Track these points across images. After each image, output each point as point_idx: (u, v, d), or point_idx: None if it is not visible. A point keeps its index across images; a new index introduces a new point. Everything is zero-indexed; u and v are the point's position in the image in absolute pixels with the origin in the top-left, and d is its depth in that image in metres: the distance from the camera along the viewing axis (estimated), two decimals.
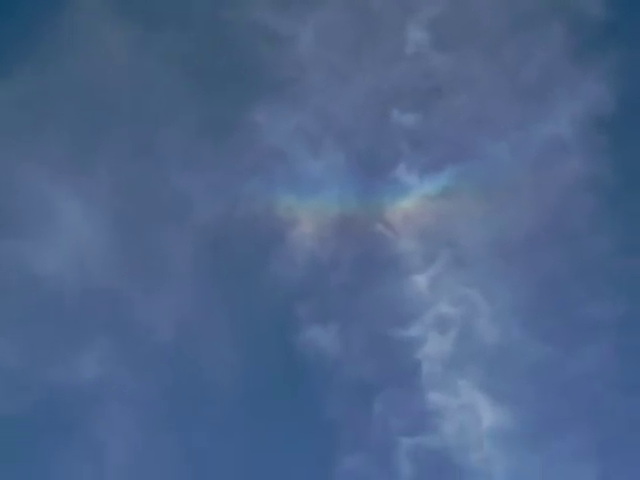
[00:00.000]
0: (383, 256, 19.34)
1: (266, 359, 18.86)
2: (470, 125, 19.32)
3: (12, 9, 20.31)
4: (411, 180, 19.27)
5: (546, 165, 18.99)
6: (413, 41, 19.63)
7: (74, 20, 19.85)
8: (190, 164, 19.34)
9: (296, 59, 19.59)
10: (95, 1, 19.77)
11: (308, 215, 19.04)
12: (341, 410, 18.13)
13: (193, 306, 18.75)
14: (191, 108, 19.67)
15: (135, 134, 19.76)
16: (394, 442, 18.14)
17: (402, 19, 19.81)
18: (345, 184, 19.44)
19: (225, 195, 19.48)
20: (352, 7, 20.09)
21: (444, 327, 18.42)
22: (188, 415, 18.62)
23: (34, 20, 20.10)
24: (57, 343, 18.51)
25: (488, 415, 17.91)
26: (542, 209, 18.83)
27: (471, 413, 18.10)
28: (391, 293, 18.99)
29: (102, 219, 19.10)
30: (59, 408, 18.28)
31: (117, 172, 19.36)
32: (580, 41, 19.27)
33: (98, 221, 19.03)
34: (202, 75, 19.97)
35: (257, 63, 19.69)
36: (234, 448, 18.27)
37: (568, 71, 19.24)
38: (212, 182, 19.40)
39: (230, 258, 19.45)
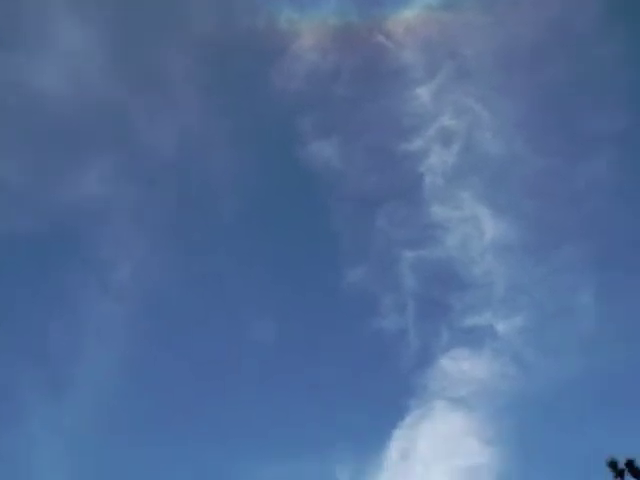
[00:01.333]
0: (385, 68, 19.02)
1: (270, 172, 18.84)
2: None
3: None
4: None
5: None
6: None
7: None
8: None
9: None
10: None
11: (309, 27, 18.59)
12: (344, 223, 18.16)
13: (195, 121, 18.61)
14: None
15: None
16: (397, 255, 18.25)
17: None
18: None
19: (225, 7, 19.02)
20: None
21: (447, 140, 18.27)
22: (195, 231, 18.69)
23: None
24: (60, 161, 18.43)
25: (490, 227, 17.95)
26: (546, 18, 18.43)
27: (473, 225, 18.14)
28: (393, 105, 18.76)
29: (98, 32, 18.68)
30: (65, 225, 18.35)
31: None
32: None
33: (94, 34, 18.62)
34: None
35: None
36: (241, 261, 18.37)
37: None
38: None
39: (231, 71, 19.15)
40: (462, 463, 17.19)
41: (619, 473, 8.04)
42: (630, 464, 8.03)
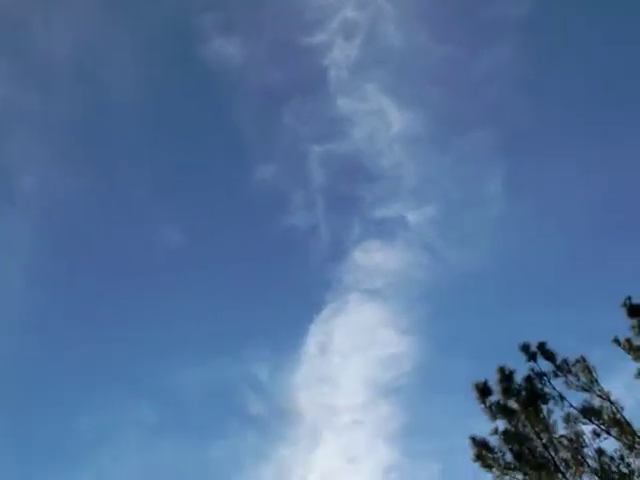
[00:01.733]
0: None
1: (172, 73, 18.55)
2: None
3: None
4: None
5: None
6: None
7: None
8: None
9: None
10: None
11: None
12: (249, 121, 18.11)
13: (93, 23, 18.14)
14: None
15: None
16: (305, 150, 18.28)
17: None
18: None
19: None
20: None
21: (350, 32, 18.15)
22: (98, 137, 18.37)
23: None
24: None
25: (396, 119, 18.05)
26: None
27: (379, 118, 18.22)
28: None
29: None
30: None
31: None
32: None
33: None
34: None
35: None
36: (145, 165, 18.26)
37: None
38: None
39: None
40: (380, 353, 17.55)
41: (531, 356, 8.32)
42: (542, 347, 8.31)
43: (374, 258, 18.22)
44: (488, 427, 8.26)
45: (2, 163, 17.96)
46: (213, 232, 18.61)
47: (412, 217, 18.33)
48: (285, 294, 18.33)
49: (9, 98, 17.93)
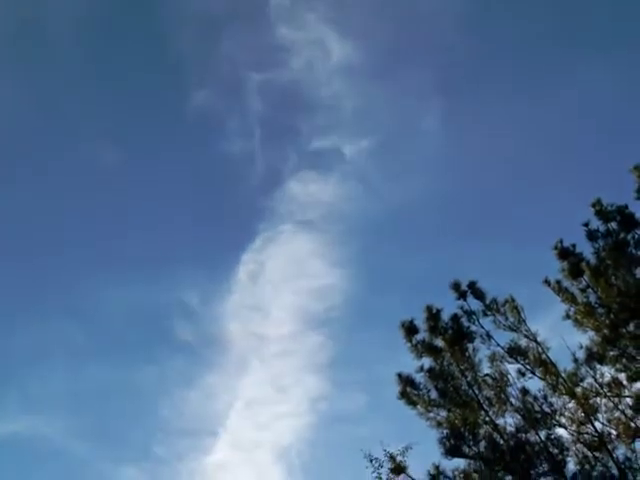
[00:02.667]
0: None
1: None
2: None
3: None
4: None
5: None
6: None
7: None
8: None
9: None
10: None
11: None
12: (190, 46, 17.76)
13: None
14: None
15: None
16: (243, 77, 18.07)
17: None
18: None
19: None
20: None
21: None
22: (28, 55, 17.90)
23: None
24: None
25: (336, 50, 17.85)
26: None
27: (320, 48, 17.99)
28: None
29: None
30: None
31: None
32: None
33: None
34: None
35: None
36: (81, 85, 17.86)
37: None
38: None
39: None
40: (311, 285, 17.56)
41: (461, 295, 8.30)
42: (472, 286, 8.30)
43: (309, 189, 18.18)
44: (416, 363, 8.29)
45: None
46: (149, 153, 18.39)
47: (349, 149, 18.29)
48: (218, 221, 18.25)
49: None
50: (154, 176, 18.39)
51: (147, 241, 17.96)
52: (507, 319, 8.19)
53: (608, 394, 7.73)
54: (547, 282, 8.19)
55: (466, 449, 7.81)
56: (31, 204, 17.88)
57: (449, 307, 8.40)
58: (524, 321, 8.13)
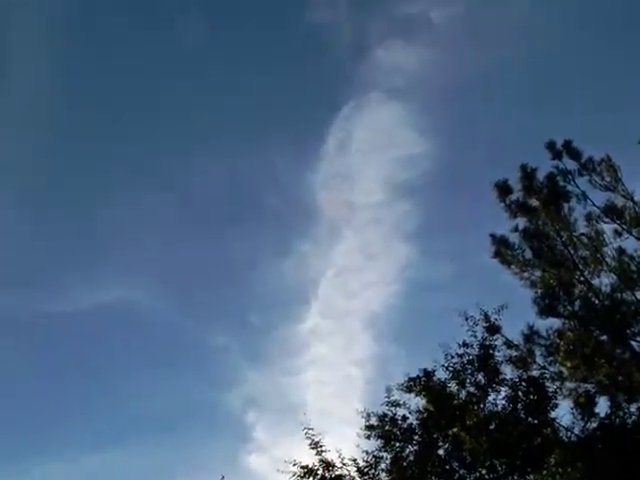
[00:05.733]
0: None
1: None
2: None
3: None
4: None
5: None
6: None
7: None
8: None
9: None
10: None
11: None
12: None
13: None
14: None
15: None
16: None
17: None
18: None
19: None
20: None
21: None
22: None
23: None
24: None
25: None
26: None
27: None
28: None
29: None
30: None
31: None
32: None
33: None
34: None
35: None
36: None
37: None
38: None
39: None
40: (399, 152, 17.44)
41: (556, 154, 8.19)
42: (567, 145, 8.18)
43: (396, 57, 17.83)
44: (506, 228, 8.29)
45: None
46: (235, 26, 18.15)
47: (435, 15, 17.87)
48: (306, 90, 18.01)
49: None
50: (240, 47, 18.17)
51: (234, 110, 17.87)
52: (603, 179, 8.10)
53: None
54: None
55: (561, 308, 7.87)
56: (129, 80, 17.91)
57: (542, 169, 8.33)
58: (620, 180, 8.03)
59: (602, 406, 7.63)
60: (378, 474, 8.05)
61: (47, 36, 16.65)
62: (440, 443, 7.93)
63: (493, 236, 8.34)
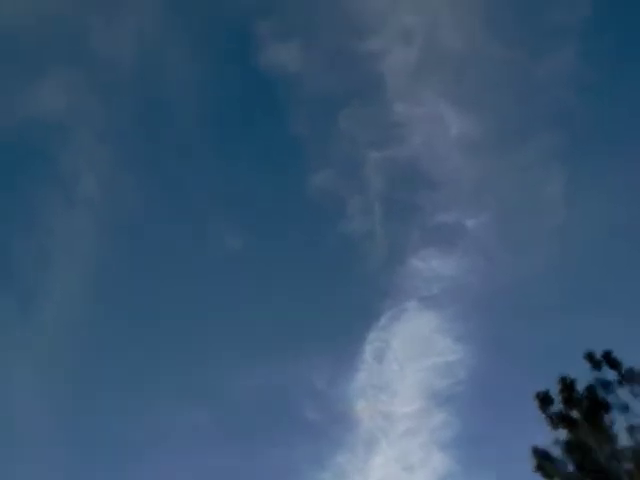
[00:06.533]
0: None
1: (229, 80, 18.66)
2: None
3: None
4: None
5: None
6: None
7: None
8: None
9: None
10: None
11: None
12: (307, 127, 18.03)
13: (151, 32, 18.25)
14: None
15: None
16: (362, 156, 18.19)
17: None
18: None
19: None
20: None
21: (407, 37, 18.02)
22: (157, 141, 18.46)
23: None
24: (18, 77, 18.09)
25: (454, 123, 17.90)
26: None
27: (437, 123, 18.06)
28: (352, 5, 18.45)
29: None
30: (29, 142, 18.04)
31: None
32: None
33: None
34: None
35: None
36: (204, 171, 18.34)
37: None
38: None
39: None
40: (436, 361, 17.39)
41: (596, 364, 8.14)
42: (607, 355, 8.14)
43: (431, 264, 18.10)
44: (543, 436, 8.16)
45: (64, 167, 18.03)
46: (272, 237, 18.66)
47: (470, 223, 18.18)
48: (343, 301, 18.27)
49: (72, 105, 18.07)
50: (277, 258, 18.60)
51: (272, 322, 18.10)
52: None
53: None
54: None
55: None
56: (161, 288, 18.23)
57: (580, 378, 8.25)
58: None
59: None
60: None
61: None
62: None
63: (535, 449, 8.19)
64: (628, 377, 8.03)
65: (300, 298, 18.35)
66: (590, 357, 8.21)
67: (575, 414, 8.09)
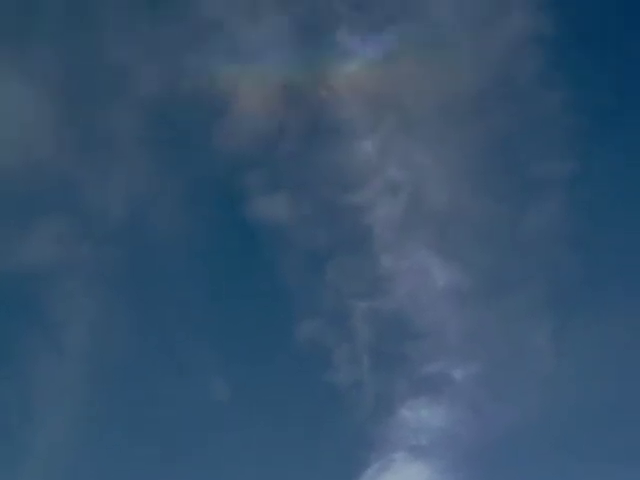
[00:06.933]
0: (329, 122, 19.13)
1: (218, 230, 18.92)
2: None
3: None
4: (353, 43, 18.91)
5: (489, 23, 18.70)
6: None
7: None
8: (129, 38, 18.88)
9: None
10: None
11: (251, 85, 18.76)
12: (295, 278, 18.19)
13: (142, 182, 18.59)
14: None
15: (74, 7, 19.23)
16: (349, 306, 18.28)
17: None
18: (286, 51, 19.10)
19: (167, 68, 19.12)
20: None
21: (393, 191, 18.40)
22: (146, 290, 18.62)
23: None
24: (7, 226, 18.31)
25: (440, 276, 18.04)
26: (487, 68, 18.64)
27: (423, 275, 18.22)
28: (339, 159, 18.89)
29: (43, 98, 18.66)
30: (18, 290, 18.20)
31: (55, 49, 18.83)
32: None
33: (39, 100, 18.61)
34: None
35: None
36: (192, 319, 18.36)
37: None
38: (151, 56, 18.96)
39: (176, 132, 19.23)
40: None
41: None
42: None
43: (419, 415, 18.01)
44: None
45: (52, 316, 18.15)
46: (257, 386, 18.63)
47: (458, 374, 18.17)
48: (330, 452, 18.12)
49: (61, 254, 18.28)
50: (262, 409, 18.59)
51: (257, 473, 17.98)
52: None
53: None
54: None
55: None
56: (146, 438, 18.21)
57: None
58: None
59: None
60: None
61: None
62: None
63: None
64: None
65: (285, 449, 18.20)
66: None
67: None
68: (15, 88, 17.80)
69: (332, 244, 18.44)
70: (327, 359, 18.05)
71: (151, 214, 18.39)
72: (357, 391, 17.98)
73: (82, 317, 18.30)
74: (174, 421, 18.21)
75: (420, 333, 18.11)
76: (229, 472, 17.83)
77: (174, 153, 18.84)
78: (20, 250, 17.85)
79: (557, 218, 17.67)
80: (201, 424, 18.11)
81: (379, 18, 18.06)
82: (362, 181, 18.15)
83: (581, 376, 17.23)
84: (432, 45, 18.18)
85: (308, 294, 18.43)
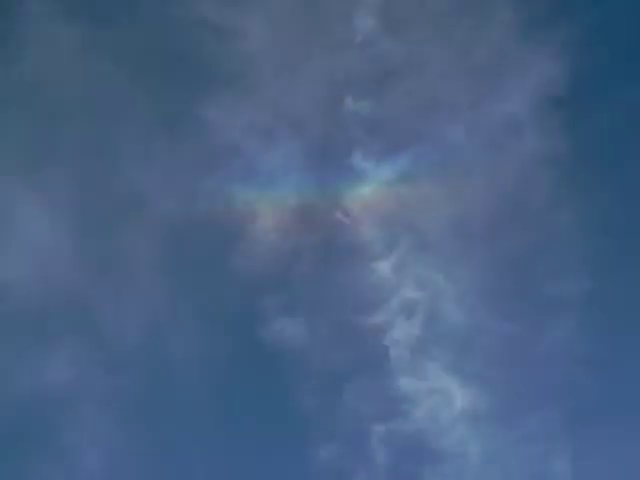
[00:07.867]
0: (344, 244, 19.34)
1: (235, 354, 18.88)
2: (423, 108, 19.29)
3: None
4: (367, 167, 19.25)
5: (502, 145, 19.03)
6: (362, 28, 19.48)
7: (21, 24, 19.52)
8: (146, 162, 19.19)
9: (245, 52, 19.40)
10: (41, 3, 19.41)
11: (267, 208, 19.06)
12: (312, 400, 18.13)
13: (159, 305, 18.67)
14: (143, 105, 19.46)
15: (89, 134, 19.56)
16: (366, 429, 18.21)
17: (350, 7, 19.65)
18: (301, 175, 19.43)
19: (183, 192, 19.44)
20: None
21: (410, 312, 18.45)
22: (161, 415, 18.56)
23: None
24: (23, 350, 18.34)
25: (459, 397, 18.00)
26: (500, 189, 18.91)
27: (442, 396, 18.18)
28: (355, 281, 19.02)
29: (61, 221, 18.91)
30: (31, 414, 18.11)
31: (73, 173, 19.18)
32: (529, 18, 19.23)
33: (57, 223, 18.84)
34: (152, 72, 19.73)
35: (206, 58, 19.46)
36: (208, 445, 18.25)
37: (519, 49, 19.21)
38: (169, 180, 19.29)
39: (193, 255, 19.42)
40: None
41: None
42: None
43: None
44: None
45: (66, 440, 18.06)
46: None
47: None
48: None
49: (76, 377, 18.26)
50: None
51: None
52: None
53: None
54: None
55: None
56: None
57: None
58: None
59: None
60: None
61: None
62: None
63: None
64: None
65: None
66: None
67: None
68: (33, 212, 17.90)
69: (349, 366, 18.45)
70: None
71: (167, 337, 18.41)
72: None
73: (96, 442, 18.15)
74: None
75: (438, 455, 18.05)
76: None
77: (191, 276, 18.91)
78: (34, 372, 17.78)
79: (572, 338, 17.72)
80: None
81: (393, 141, 18.19)
82: (379, 302, 18.21)
83: None
84: (446, 167, 18.44)
85: (325, 417, 18.38)
